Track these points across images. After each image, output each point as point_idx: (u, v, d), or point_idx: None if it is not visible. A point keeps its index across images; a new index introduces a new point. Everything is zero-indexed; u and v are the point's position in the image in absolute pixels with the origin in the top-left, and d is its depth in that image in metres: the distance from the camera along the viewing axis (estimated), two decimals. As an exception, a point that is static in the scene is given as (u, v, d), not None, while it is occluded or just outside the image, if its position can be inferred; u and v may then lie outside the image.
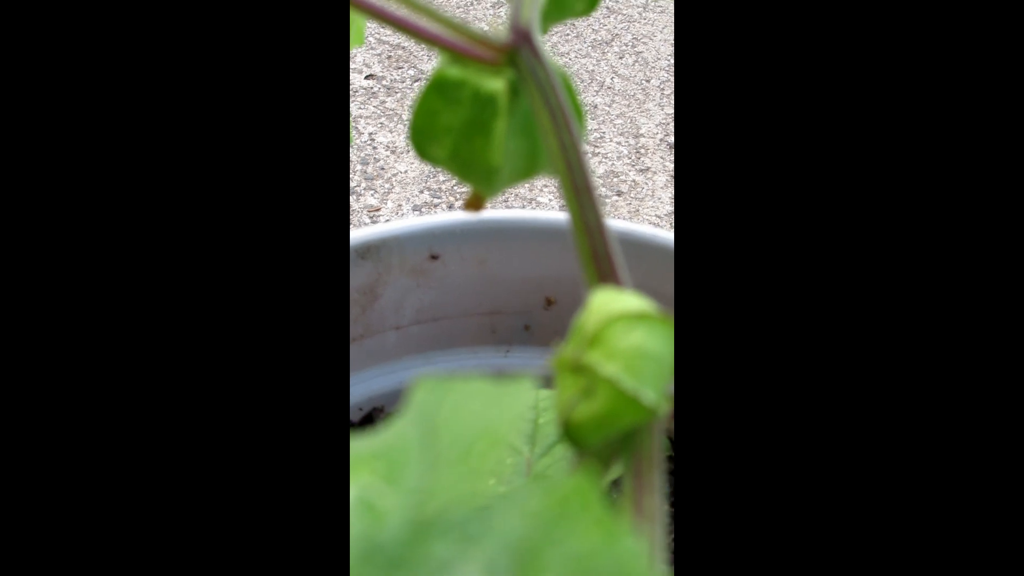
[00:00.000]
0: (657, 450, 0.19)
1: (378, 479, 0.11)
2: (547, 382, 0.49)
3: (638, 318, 0.18)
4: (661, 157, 1.12)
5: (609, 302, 0.18)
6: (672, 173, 1.09)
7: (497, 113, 0.22)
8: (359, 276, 0.47)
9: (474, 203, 0.25)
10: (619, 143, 1.13)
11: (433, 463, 0.11)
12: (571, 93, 0.22)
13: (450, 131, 0.22)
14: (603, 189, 1.05)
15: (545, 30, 0.28)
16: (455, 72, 0.22)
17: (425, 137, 0.23)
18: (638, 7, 1.41)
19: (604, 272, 0.20)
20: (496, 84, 0.22)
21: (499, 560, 0.09)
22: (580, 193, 0.21)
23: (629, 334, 0.18)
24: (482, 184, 0.24)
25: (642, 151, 1.12)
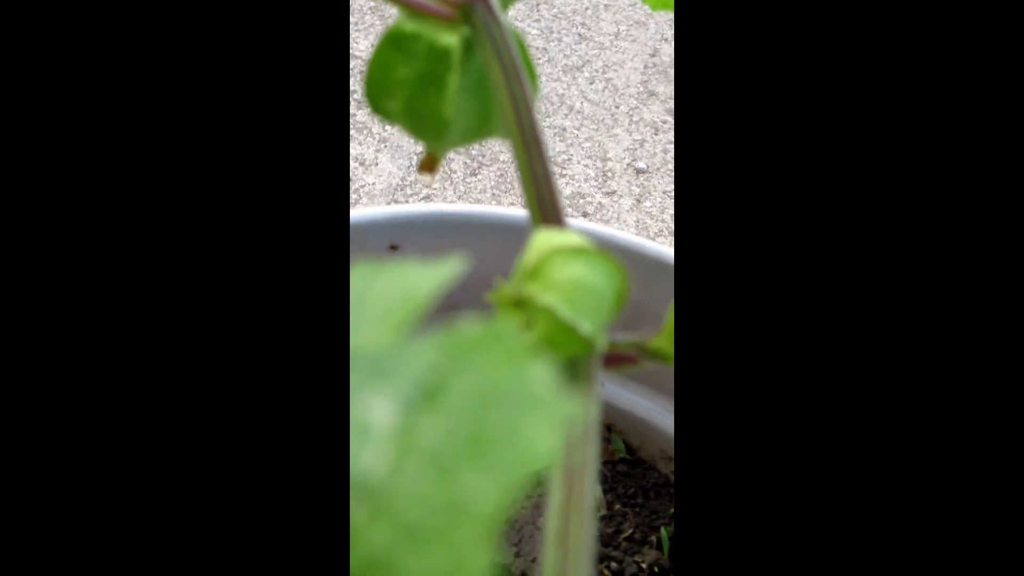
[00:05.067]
0: (592, 392, 0.19)
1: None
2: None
3: (577, 252, 0.18)
4: (627, 181, 1.13)
5: (550, 239, 0.19)
6: (638, 197, 1.10)
7: (451, 67, 0.22)
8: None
9: (428, 164, 0.25)
10: (586, 165, 1.15)
11: (356, 325, 0.11)
12: (523, 51, 0.23)
13: (404, 84, 0.23)
14: (569, 210, 1.06)
15: None
16: (411, 26, 0.23)
17: (380, 90, 0.23)
18: (609, 35, 1.44)
19: (548, 216, 0.20)
20: (450, 38, 0.22)
21: (407, 390, 0.09)
22: (528, 144, 0.21)
23: (567, 267, 0.18)
24: (434, 140, 0.24)
25: (609, 174, 1.14)
